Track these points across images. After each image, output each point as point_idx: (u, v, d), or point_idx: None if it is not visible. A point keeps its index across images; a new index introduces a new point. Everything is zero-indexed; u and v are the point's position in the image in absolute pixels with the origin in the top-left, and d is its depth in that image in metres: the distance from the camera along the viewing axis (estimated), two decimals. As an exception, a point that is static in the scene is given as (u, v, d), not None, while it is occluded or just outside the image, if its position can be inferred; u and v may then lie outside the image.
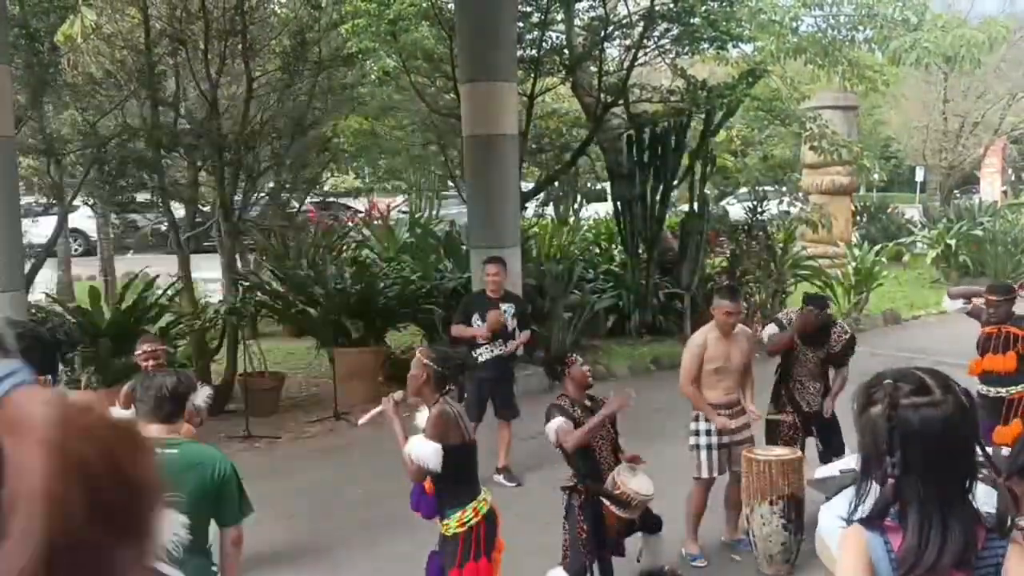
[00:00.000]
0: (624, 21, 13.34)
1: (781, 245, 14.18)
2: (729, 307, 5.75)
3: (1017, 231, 18.49)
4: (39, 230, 14.30)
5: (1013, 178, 31.97)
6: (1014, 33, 23.32)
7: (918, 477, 1.88)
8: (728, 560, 5.89)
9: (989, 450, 2.08)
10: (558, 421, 4.74)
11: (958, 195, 28.87)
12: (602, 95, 12.93)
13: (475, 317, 7.39)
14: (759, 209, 14.00)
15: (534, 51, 12.85)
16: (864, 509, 1.95)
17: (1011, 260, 17.97)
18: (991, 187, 27.41)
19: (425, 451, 4.07)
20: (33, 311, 9.53)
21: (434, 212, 17.92)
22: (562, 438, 4.72)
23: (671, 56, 13.79)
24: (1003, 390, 6.31)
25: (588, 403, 4.93)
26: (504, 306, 7.47)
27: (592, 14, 13.71)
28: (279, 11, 12.57)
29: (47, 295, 11.66)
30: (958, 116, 25.35)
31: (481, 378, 7.33)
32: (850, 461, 3.30)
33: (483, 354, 7.35)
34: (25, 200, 16.24)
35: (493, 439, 7.34)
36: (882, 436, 1.90)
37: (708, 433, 5.79)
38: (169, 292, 10.27)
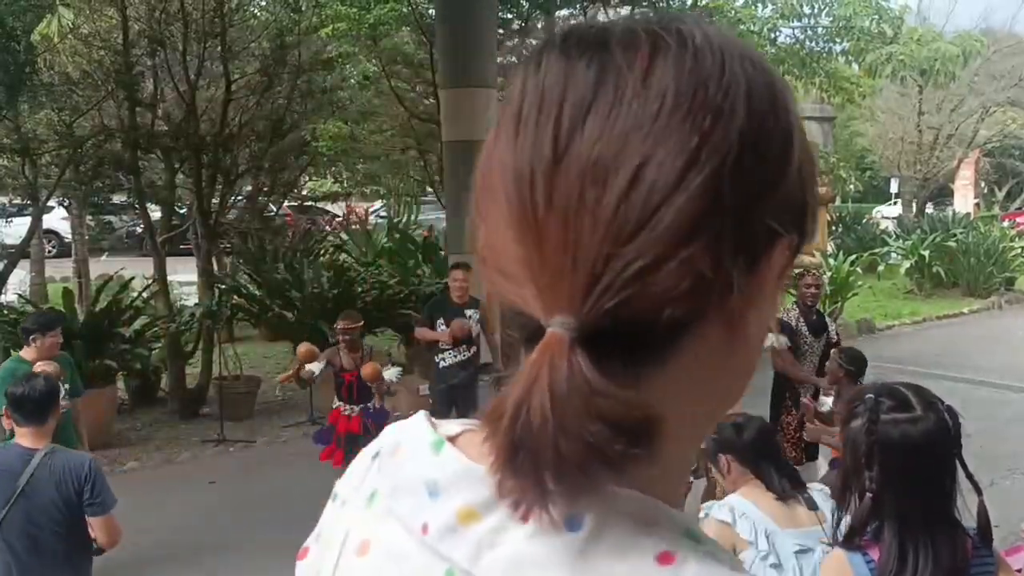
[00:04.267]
0: (604, 29, 13.40)
1: (757, 253, 14.26)
2: None
3: (989, 243, 18.71)
4: (12, 231, 14.16)
5: (986, 190, 32.38)
6: (988, 47, 23.65)
7: (896, 493, 1.89)
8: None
9: None
10: None
11: (942, 204, 29.20)
12: (581, 102, 12.98)
13: (439, 322, 7.35)
14: (736, 218, 14.08)
15: (514, 58, 12.88)
16: (845, 524, 1.96)
17: (983, 272, 18.17)
18: (964, 199, 27.75)
19: None
20: (5, 312, 9.43)
21: (412, 217, 17.87)
22: None
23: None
24: None
25: None
26: (469, 312, 7.39)
27: (572, 22, 13.78)
28: (259, 14, 12.52)
29: (20, 296, 11.53)
30: (932, 129, 25.61)
31: (447, 384, 7.31)
32: None
33: (446, 359, 7.31)
34: (-1, 200, 16.12)
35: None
36: (861, 450, 1.91)
37: None
38: (144, 294, 10.20)
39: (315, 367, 6.46)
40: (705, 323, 0.55)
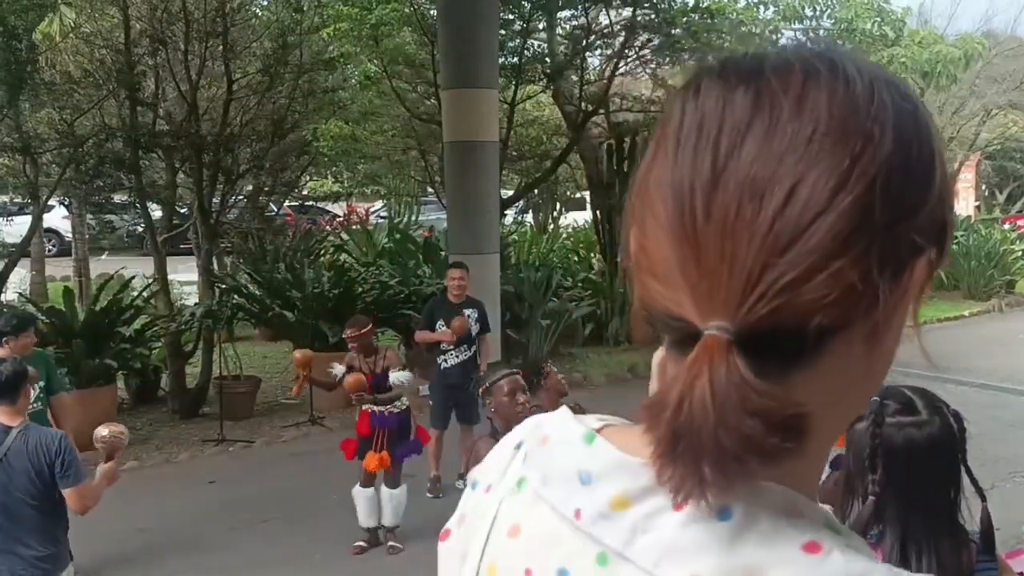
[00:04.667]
0: (606, 31, 13.41)
1: (758, 256, 14.24)
2: None
3: (990, 245, 18.69)
4: (13, 229, 14.17)
5: (987, 193, 32.37)
6: (989, 50, 23.63)
7: (899, 497, 1.88)
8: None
9: None
10: None
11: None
12: (583, 104, 12.99)
13: (439, 323, 7.36)
14: (737, 220, 14.06)
15: (516, 59, 12.88)
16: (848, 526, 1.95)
17: (984, 274, 18.17)
18: (965, 202, 27.72)
19: None
20: (6, 311, 9.42)
21: (413, 217, 17.89)
22: None
23: (652, 66, 13.87)
24: None
25: None
26: (467, 311, 7.42)
27: (574, 23, 13.77)
28: (261, 13, 12.53)
29: (20, 295, 11.54)
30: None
31: (446, 384, 7.31)
32: None
33: (448, 360, 7.32)
34: (-1, 199, 16.13)
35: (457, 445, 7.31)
36: (864, 453, 1.90)
37: None
38: (144, 294, 10.19)
39: (338, 370, 6.40)
40: (849, 331, 0.59)
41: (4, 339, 5.63)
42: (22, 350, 5.62)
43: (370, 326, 6.47)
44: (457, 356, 7.33)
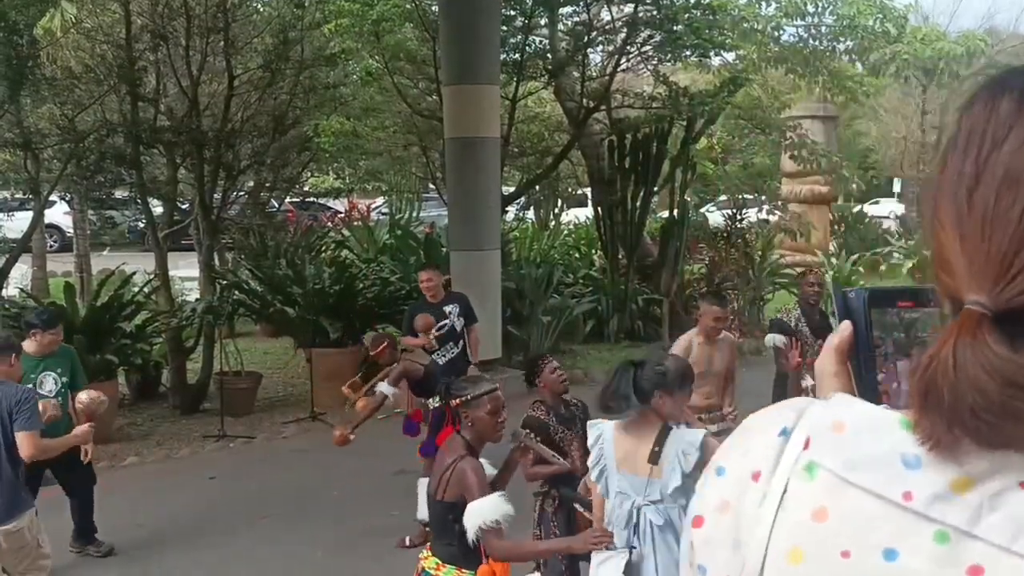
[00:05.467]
0: (607, 27, 13.39)
1: (759, 253, 14.25)
2: (719, 312, 5.85)
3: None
4: (14, 225, 14.17)
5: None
6: (992, 47, 23.61)
7: None
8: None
9: None
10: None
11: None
12: (584, 100, 12.96)
13: None
14: (738, 217, 14.07)
15: (517, 55, 12.86)
16: None
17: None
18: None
19: None
20: (7, 306, 9.44)
21: (414, 214, 17.87)
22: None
23: (654, 63, 13.84)
24: None
25: (564, 410, 4.84)
26: (448, 308, 7.40)
27: (576, 19, 13.75)
28: (262, 9, 12.52)
29: (21, 291, 11.54)
30: (936, 128, 25.60)
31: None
32: None
33: (436, 360, 7.28)
34: (0, 195, 16.13)
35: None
36: None
37: None
38: (146, 290, 10.20)
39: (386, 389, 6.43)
40: None
41: (32, 332, 5.83)
42: (48, 345, 5.84)
43: (384, 344, 6.51)
44: (443, 355, 7.30)
